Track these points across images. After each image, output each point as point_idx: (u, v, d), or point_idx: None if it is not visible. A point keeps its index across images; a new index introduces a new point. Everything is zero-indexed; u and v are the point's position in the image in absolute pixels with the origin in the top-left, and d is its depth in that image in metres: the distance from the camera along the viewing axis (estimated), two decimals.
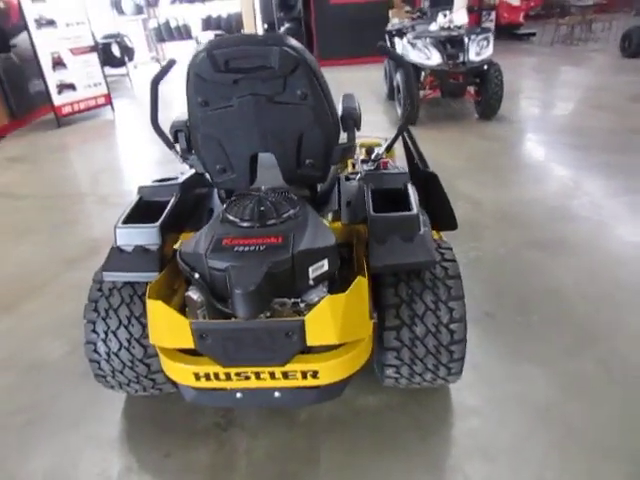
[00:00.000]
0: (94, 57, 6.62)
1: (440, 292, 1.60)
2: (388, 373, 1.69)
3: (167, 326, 1.34)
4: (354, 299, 1.35)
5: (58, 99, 6.30)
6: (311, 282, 1.39)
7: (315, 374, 1.37)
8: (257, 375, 1.38)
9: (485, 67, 5.22)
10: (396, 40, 6.28)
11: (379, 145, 2.60)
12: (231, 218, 1.48)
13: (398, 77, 5.42)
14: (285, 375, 1.38)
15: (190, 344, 1.33)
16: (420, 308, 1.59)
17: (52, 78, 6.19)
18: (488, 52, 5.25)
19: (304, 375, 1.38)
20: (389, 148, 2.20)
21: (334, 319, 1.28)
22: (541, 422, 1.73)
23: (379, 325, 1.63)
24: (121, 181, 4.76)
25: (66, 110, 6.44)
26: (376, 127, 5.25)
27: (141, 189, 1.83)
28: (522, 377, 1.94)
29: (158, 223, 1.60)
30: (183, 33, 11.82)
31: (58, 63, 6.21)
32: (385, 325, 1.61)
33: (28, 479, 1.69)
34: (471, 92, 5.63)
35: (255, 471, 1.65)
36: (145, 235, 1.59)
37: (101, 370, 1.75)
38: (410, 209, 1.57)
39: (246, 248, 1.34)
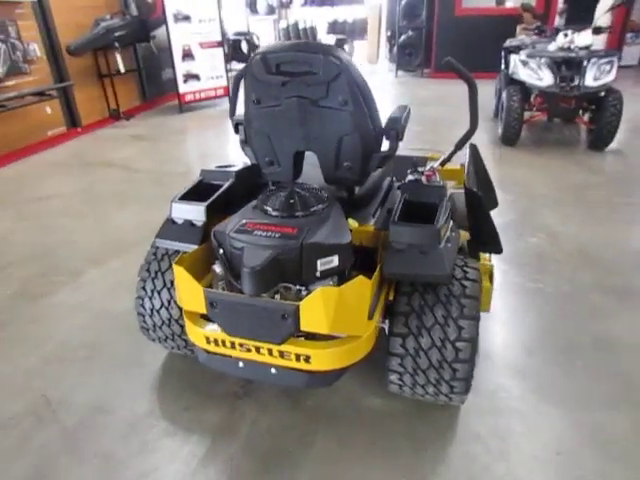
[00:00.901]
0: (220, 52, 7.25)
1: (452, 309, 1.62)
2: (391, 378, 1.74)
3: (186, 290, 1.54)
4: (350, 295, 1.42)
5: (183, 87, 7.02)
6: (318, 274, 1.49)
7: (307, 359, 1.48)
8: (257, 349, 1.52)
9: (602, 93, 4.85)
10: (511, 57, 6.05)
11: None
12: (262, 206, 1.63)
13: (503, 96, 5.24)
14: (281, 354, 1.50)
15: (203, 309, 1.51)
16: (429, 320, 1.62)
17: (180, 68, 6.91)
18: (609, 77, 4.85)
19: (298, 358, 1.49)
20: (444, 163, 2.22)
21: (326, 309, 1.37)
22: (543, 465, 1.66)
23: (389, 330, 1.69)
24: (223, 163, 5.20)
25: (188, 98, 7.15)
26: (480, 145, 5.13)
27: (203, 172, 2.06)
28: (540, 417, 1.85)
29: (206, 203, 1.81)
30: (309, 35, 12.36)
31: (187, 55, 6.91)
32: (393, 330, 1.67)
33: (74, 402, 2.00)
34: (584, 119, 5.25)
35: (253, 440, 1.80)
36: (193, 212, 1.81)
37: (145, 323, 2.02)
38: (433, 223, 1.60)
39: (263, 233, 1.49)
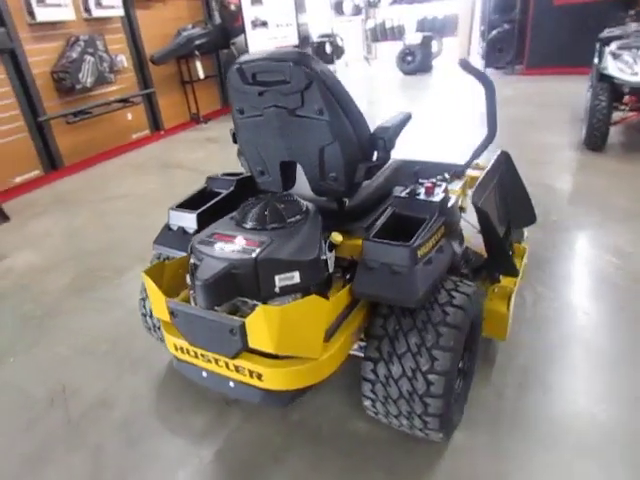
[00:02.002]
0: None
1: (427, 337, 1.48)
2: (366, 404, 1.65)
3: (153, 299, 1.57)
4: (297, 315, 1.36)
5: None
6: (277, 290, 1.44)
7: (260, 376, 1.44)
8: (216, 361, 1.51)
9: None
10: (606, 49, 5.40)
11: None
12: (237, 217, 1.62)
13: (587, 94, 4.71)
14: (237, 369, 1.48)
15: (167, 318, 1.53)
16: (401, 347, 1.51)
17: None
18: None
19: (251, 374, 1.45)
20: (460, 174, 2.05)
21: (269, 328, 1.32)
22: None
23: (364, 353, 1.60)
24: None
25: None
26: (546, 150, 4.69)
27: (208, 179, 2.10)
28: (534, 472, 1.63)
29: (197, 211, 1.84)
30: (396, 34, 12.13)
31: None
32: (365, 354, 1.57)
33: (84, 394, 2.15)
34: None
35: (228, 449, 1.80)
36: (186, 219, 1.85)
37: (146, 323, 2.11)
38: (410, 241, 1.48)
39: (224, 246, 1.47)
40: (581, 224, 3.26)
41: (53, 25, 4.98)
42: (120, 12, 5.62)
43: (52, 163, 5.17)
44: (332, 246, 1.65)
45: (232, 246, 1.47)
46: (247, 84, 1.62)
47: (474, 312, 1.65)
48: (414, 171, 1.86)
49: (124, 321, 2.64)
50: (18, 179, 4.86)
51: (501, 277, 2.12)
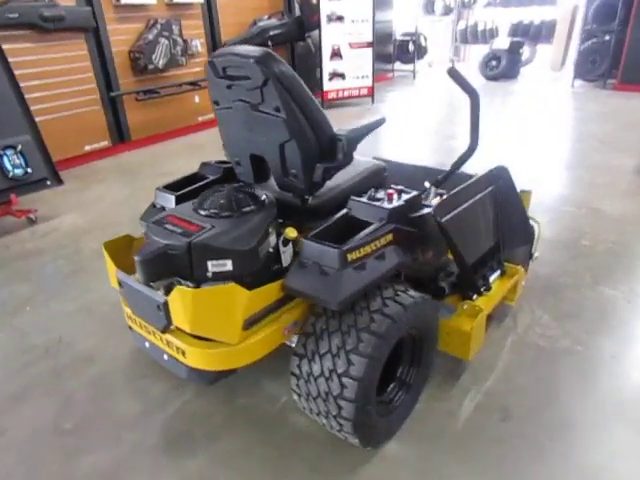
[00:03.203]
0: (369, 52, 7.32)
1: (349, 341, 1.48)
2: (294, 398, 1.67)
3: (108, 269, 1.70)
4: (211, 300, 1.42)
5: (327, 85, 7.31)
6: (210, 275, 1.51)
7: (184, 353, 1.51)
8: (154, 333, 1.61)
9: None
10: None
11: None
12: (196, 202, 1.70)
13: None
14: (168, 343, 1.56)
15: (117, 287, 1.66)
16: (324, 347, 1.52)
17: (327, 66, 7.20)
18: None
19: (177, 350, 1.53)
20: (438, 184, 1.99)
21: (184, 309, 1.39)
22: None
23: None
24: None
25: (331, 95, 7.42)
26: (611, 172, 4.32)
27: (201, 165, 2.20)
28: None
29: (177, 193, 1.95)
30: (487, 37, 11.58)
31: (336, 54, 7.16)
32: (293, 348, 1.60)
33: (75, 348, 2.37)
34: None
35: (173, 418, 1.91)
36: (167, 200, 1.97)
37: None
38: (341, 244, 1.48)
39: (170, 227, 1.56)
40: (613, 253, 2.98)
41: (136, 7, 5.37)
42: None
43: (120, 136, 5.62)
44: (287, 241, 1.68)
45: (176, 229, 1.55)
46: (218, 77, 1.70)
47: (411, 323, 1.61)
48: (378, 179, 1.85)
49: None
50: (87, 147, 5.33)
51: (476, 295, 2.03)
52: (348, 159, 1.73)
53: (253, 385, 2.03)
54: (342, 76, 7.34)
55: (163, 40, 5.46)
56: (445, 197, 1.79)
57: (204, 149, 5.74)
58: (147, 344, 1.71)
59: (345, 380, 1.46)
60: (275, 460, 1.72)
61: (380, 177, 2.06)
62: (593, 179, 4.19)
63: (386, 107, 7.53)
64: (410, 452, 1.71)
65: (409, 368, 1.82)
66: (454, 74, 1.77)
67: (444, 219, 1.72)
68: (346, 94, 7.51)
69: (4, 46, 4.32)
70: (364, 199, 1.72)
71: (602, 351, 2.16)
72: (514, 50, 9.52)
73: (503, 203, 2.09)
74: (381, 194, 1.75)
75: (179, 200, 1.93)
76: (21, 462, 1.76)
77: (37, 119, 4.11)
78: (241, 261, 1.52)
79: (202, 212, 1.64)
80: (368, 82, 7.54)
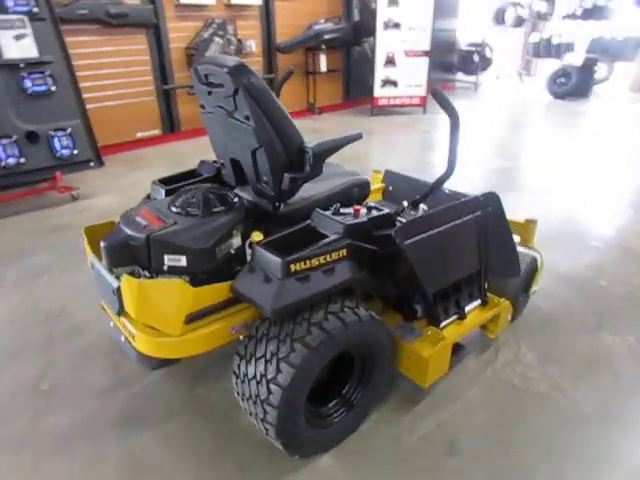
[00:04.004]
0: (424, 61, 7.22)
1: (282, 349, 1.52)
2: (235, 396, 1.73)
3: (86, 252, 1.84)
4: (155, 292, 1.51)
5: (379, 91, 7.30)
6: (165, 268, 1.60)
7: (133, 337, 1.62)
8: (114, 315, 1.73)
9: None
10: None
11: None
12: (171, 199, 1.81)
13: None
14: (123, 325, 1.68)
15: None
16: (260, 351, 1.56)
17: (380, 73, 7.18)
18: None
19: (129, 333, 1.64)
20: (415, 204, 1.97)
21: (130, 297, 1.50)
22: None
23: None
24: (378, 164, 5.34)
25: (382, 102, 7.40)
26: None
27: (199, 163, 2.31)
28: None
29: (167, 187, 2.07)
30: (562, 51, 11.01)
31: (390, 61, 7.13)
32: (237, 349, 1.66)
33: (72, 316, 2.57)
34: None
35: (136, 395, 2.04)
36: (158, 193, 2.10)
37: None
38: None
39: (139, 219, 1.67)
40: (629, 298, 2.78)
41: (195, 7, 5.65)
42: (259, 1, 6.12)
43: (170, 126, 5.93)
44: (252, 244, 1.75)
45: (142, 222, 1.66)
46: (201, 83, 1.79)
47: (352, 341, 1.62)
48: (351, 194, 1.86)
49: None
50: (139, 134, 5.69)
51: (446, 323, 1.99)
52: (315, 171, 1.76)
53: (216, 379, 2.12)
54: (394, 84, 7.30)
55: (217, 39, 5.71)
56: (411, 219, 1.78)
57: None
58: (111, 324, 1.84)
59: (272, 386, 1.50)
60: (211, 452, 1.79)
61: (361, 192, 2.08)
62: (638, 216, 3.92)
63: (438, 119, 7.38)
64: (342, 469, 1.71)
65: (356, 387, 1.82)
66: (437, 95, 1.75)
67: (406, 242, 1.70)
68: (397, 102, 7.46)
69: (74, 38, 4.73)
70: (327, 212, 1.75)
71: (580, 404, 2.00)
72: (587, 67, 9.01)
73: (490, 231, 2.04)
74: (348, 209, 1.77)
75: (168, 194, 2.05)
76: (1, 417, 1.96)
77: (96, 105, 4.48)
78: (195, 258, 1.60)
79: (173, 209, 1.74)
80: (421, 91, 7.44)
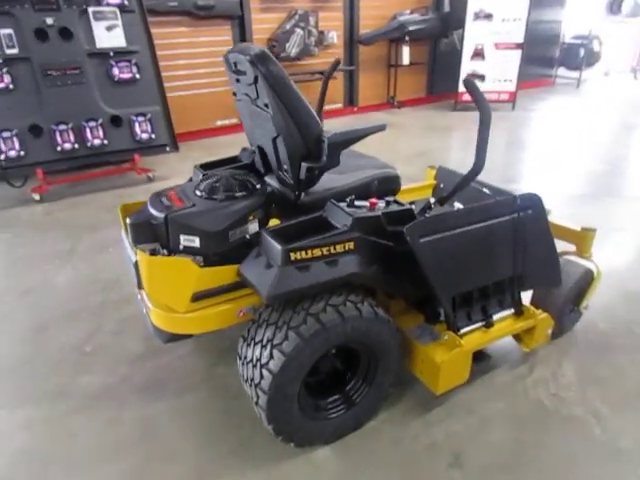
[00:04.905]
0: (516, 54, 6.76)
1: (278, 336, 1.53)
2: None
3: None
4: (164, 269, 1.59)
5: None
6: (181, 247, 1.68)
7: (149, 310, 1.71)
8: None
9: None
10: None
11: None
12: (197, 182, 1.88)
13: None
14: (142, 298, 1.78)
15: None
16: (259, 336, 1.59)
17: (467, 66, 6.85)
18: None
19: (147, 306, 1.74)
20: (442, 202, 1.87)
21: (143, 272, 1.60)
22: None
23: None
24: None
25: (466, 97, 7.03)
26: None
27: (241, 150, 2.38)
28: None
29: (204, 172, 2.16)
30: None
31: (478, 54, 6.77)
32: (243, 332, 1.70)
33: (124, 288, 2.78)
34: None
35: (155, 368, 2.16)
36: (197, 176, 2.19)
37: None
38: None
39: (164, 200, 1.77)
40: None
41: None
42: None
43: None
44: None
45: (166, 202, 1.75)
46: (231, 71, 1.83)
47: (351, 337, 1.59)
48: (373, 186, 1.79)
49: None
50: (219, 122, 5.97)
51: (468, 329, 1.88)
52: (332, 161, 1.73)
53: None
54: (482, 78, 6.92)
55: (298, 30, 5.79)
56: (428, 216, 1.69)
57: None
58: (139, 297, 1.97)
59: (264, 371, 1.51)
60: (215, 430, 1.85)
61: (389, 186, 2.01)
62: None
63: (529, 117, 6.89)
64: (337, 465, 1.69)
65: (360, 385, 1.78)
66: (469, 85, 1.64)
67: (421, 240, 1.62)
68: None
69: (164, 30, 5.07)
70: (342, 204, 1.72)
71: (617, 436, 1.78)
72: None
73: (528, 236, 1.88)
74: (363, 202, 1.73)
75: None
76: (44, 366, 2.19)
77: (179, 94, 4.74)
78: (207, 240, 1.66)
79: (197, 192, 1.81)
80: (510, 87, 6.98)
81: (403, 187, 2.81)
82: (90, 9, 3.93)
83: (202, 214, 1.68)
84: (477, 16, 6.58)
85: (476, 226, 1.75)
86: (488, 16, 6.57)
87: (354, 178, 1.96)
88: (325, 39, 6.18)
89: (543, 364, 2.15)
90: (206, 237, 1.66)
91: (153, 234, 1.72)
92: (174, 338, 1.79)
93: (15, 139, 3.89)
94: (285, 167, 1.81)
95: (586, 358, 2.18)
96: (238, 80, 1.82)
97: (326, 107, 6.66)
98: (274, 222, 1.84)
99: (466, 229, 1.73)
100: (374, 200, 1.72)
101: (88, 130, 4.08)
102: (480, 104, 1.65)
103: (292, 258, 1.50)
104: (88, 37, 3.98)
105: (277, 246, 1.51)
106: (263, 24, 5.81)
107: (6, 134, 3.85)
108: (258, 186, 1.85)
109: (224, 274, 1.67)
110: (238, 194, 1.78)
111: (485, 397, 1.98)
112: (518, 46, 6.75)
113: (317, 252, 1.54)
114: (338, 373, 1.79)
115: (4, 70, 3.77)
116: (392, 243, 1.68)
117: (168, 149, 4.55)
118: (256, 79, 1.65)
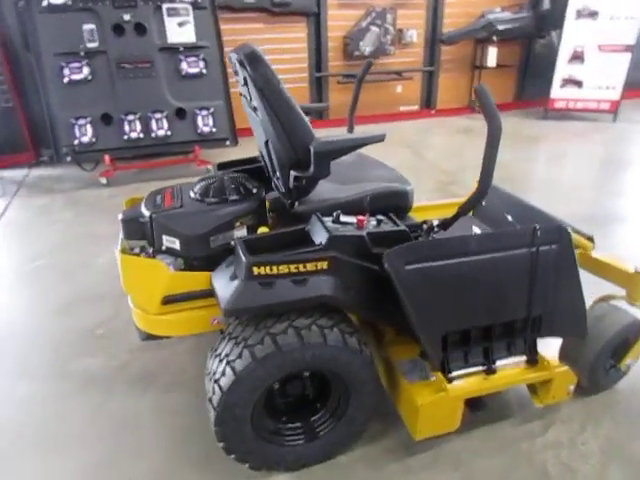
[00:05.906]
0: (624, 57, 5.98)
1: (234, 351, 1.46)
2: None
3: None
4: (135, 269, 1.59)
5: (557, 92, 6.33)
6: (164, 248, 1.67)
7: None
8: None
9: None
10: None
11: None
12: (194, 182, 1.86)
13: None
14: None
15: None
16: (220, 348, 1.52)
17: (562, 70, 6.22)
18: None
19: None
20: (446, 227, 1.66)
21: (122, 270, 1.60)
22: None
23: None
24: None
25: (559, 105, 6.41)
26: None
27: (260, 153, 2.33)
28: None
29: (221, 172, 2.13)
30: None
31: (576, 57, 6.11)
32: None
33: None
34: None
35: (158, 359, 2.18)
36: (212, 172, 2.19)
37: None
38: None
39: (157, 199, 1.77)
40: None
41: None
42: None
43: (319, 114, 6.10)
44: None
45: (158, 202, 1.75)
46: (234, 71, 1.77)
47: (312, 365, 1.47)
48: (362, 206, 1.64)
49: None
50: None
51: (462, 372, 1.66)
52: (320, 171, 1.60)
53: None
54: (579, 84, 6.25)
55: (374, 28, 5.62)
56: (416, 241, 1.50)
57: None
58: None
59: (215, 387, 1.45)
60: (189, 432, 1.82)
61: (395, 202, 1.84)
62: None
63: (634, 131, 6.06)
64: None
65: (327, 419, 1.64)
66: (480, 93, 1.42)
67: (407, 267, 1.45)
68: (579, 106, 6.38)
69: (237, 25, 5.17)
70: (325, 218, 1.59)
71: None
72: None
73: (550, 274, 1.61)
74: (351, 218, 1.58)
75: None
76: (53, 343, 2.32)
77: None
78: (186, 244, 1.63)
79: (191, 193, 1.79)
80: (614, 95, 6.22)
81: (441, 201, 2.60)
82: (164, 5, 4.11)
83: (184, 216, 1.65)
84: (580, 14, 5.93)
85: (479, 257, 1.53)
86: (593, 14, 5.89)
87: (355, 190, 1.82)
88: (404, 37, 5.94)
89: (563, 425, 1.84)
90: (185, 240, 1.63)
91: (141, 232, 1.72)
92: (148, 337, 1.78)
93: (89, 126, 4.19)
94: (278, 174, 1.72)
95: (619, 428, 1.83)
96: (240, 81, 1.76)
97: (401, 109, 6.44)
98: (263, 230, 1.76)
99: (465, 260, 1.51)
100: (362, 217, 1.57)
101: (153, 121, 4.29)
102: (489, 116, 1.43)
103: (255, 272, 1.41)
104: (160, 32, 4.17)
105: (242, 259, 1.43)
106: (339, 21, 5.72)
107: (82, 121, 4.17)
108: (254, 191, 1.78)
109: (198, 280, 1.62)
110: (230, 198, 1.72)
111: (479, 451, 1.74)
112: (627, 48, 5.98)
113: (284, 269, 1.43)
114: (307, 400, 1.67)
115: (84, 62, 4.07)
116: (378, 267, 1.52)
117: (228, 143, 4.65)
118: (245, 81, 1.57)
